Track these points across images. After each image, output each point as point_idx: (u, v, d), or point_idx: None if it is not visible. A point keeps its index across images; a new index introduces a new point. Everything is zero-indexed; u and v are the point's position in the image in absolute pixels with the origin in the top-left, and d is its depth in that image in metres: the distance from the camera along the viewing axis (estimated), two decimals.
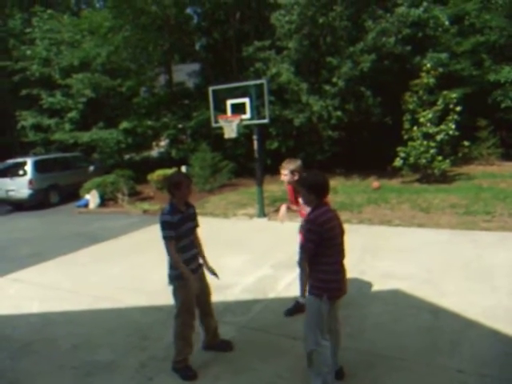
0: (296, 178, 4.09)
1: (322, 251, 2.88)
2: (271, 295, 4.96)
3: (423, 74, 11.90)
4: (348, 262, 5.84)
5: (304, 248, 2.94)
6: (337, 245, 2.95)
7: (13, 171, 13.08)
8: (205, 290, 3.60)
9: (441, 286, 4.85)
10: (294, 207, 4.28)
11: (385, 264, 5.66)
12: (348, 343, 3.67)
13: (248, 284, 5.37)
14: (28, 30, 17.91)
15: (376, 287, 4.97)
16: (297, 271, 4.40)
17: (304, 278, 3.03)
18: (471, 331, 3.81)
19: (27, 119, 17.67)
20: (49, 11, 17.90)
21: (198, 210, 3.67)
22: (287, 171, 4.14)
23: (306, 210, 4.06)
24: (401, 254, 6.10)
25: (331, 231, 2.88)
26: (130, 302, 5.03)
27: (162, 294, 4.71)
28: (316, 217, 2.87)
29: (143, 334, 4.22)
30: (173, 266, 3.36)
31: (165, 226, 3.26)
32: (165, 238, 3.27)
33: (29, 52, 17.41)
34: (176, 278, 3.36)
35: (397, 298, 4.61)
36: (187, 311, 3.38)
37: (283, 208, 4.30)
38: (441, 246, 6.35)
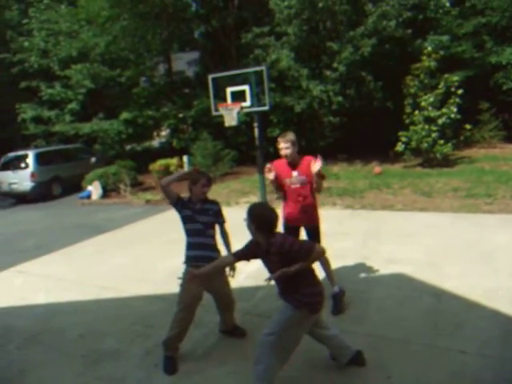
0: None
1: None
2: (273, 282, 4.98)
3: (424, 58, 11.79)
4: (351, 247, 5.84)
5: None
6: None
7: (15, 164, 13.11)
8: (220, 290, 3.59)
9: (443, 269, 4.87)
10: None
11: (387, 248, 5.68)
12: (352, 327, 3.72)
13: (251, 271, 5.40)
14: (25, 21, 17.72)
15: (379, 272, 5.00)
16: None
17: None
18: (473, 313, 3.83)
19: (27, 112, 17.62)
20: (45, 1, 17.66)
21: None
22: (289, 143, 3.88)
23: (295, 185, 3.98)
24: (403, 238, 6.11)
25: None
26: (135, 291, 5.06)
27: (165, 284, 4.77)
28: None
29: (147, 322, 4.26)
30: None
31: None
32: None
33: (26, 43, 17.26)
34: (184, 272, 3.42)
35: (400, 282, 4.63)
36: (182, 310, 3.37)
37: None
38: (443, 230, 6.35)
